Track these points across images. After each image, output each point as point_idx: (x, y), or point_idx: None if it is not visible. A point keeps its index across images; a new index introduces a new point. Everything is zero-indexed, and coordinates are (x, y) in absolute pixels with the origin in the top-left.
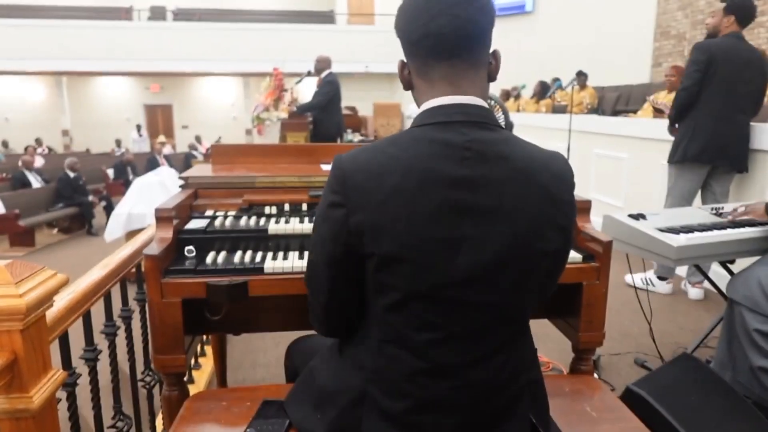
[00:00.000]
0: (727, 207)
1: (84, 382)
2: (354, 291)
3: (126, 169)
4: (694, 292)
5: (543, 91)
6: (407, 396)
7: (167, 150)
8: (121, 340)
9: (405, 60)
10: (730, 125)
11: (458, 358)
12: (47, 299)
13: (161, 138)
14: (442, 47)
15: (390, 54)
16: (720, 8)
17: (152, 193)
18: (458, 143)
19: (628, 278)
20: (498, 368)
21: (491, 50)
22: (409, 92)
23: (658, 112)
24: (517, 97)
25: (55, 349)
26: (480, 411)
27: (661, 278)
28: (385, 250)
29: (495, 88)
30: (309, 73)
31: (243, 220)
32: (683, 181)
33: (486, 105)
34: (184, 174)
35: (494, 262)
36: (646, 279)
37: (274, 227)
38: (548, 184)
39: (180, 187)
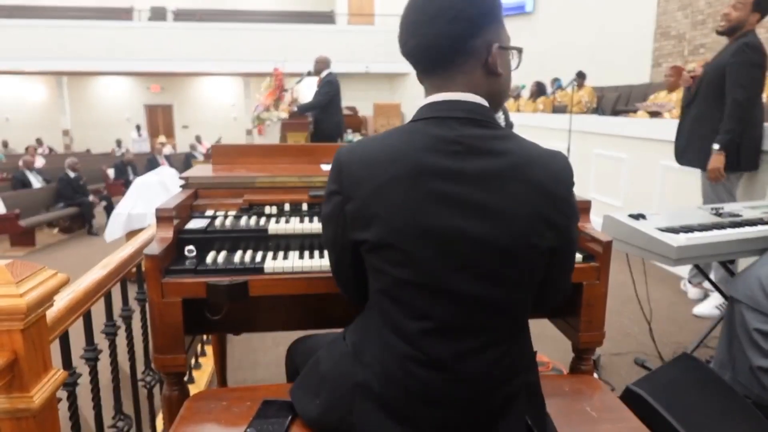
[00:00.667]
0: (727, 207)
1: (84, 381)
2: (356, 271)
3: (126, 169)
4: (694, 292)
5: (539, 91)
6: (401, 386)
7: (167, 150)
8: (121, 340)
9: None
10: (761, 128)
11: (449, 350)
12: (48, 299)
13: (161, 138)
14: (420, 65)
15: (390, 54)
16: (743, 1)
17: (152, 193)
18: (449, 137)
19: (699, 310)
20: (491, 365)
21: (490, 46)
22: (409, 92)
23: (653, 115)
24: (517, 97)
25: (55, 349)
26: (474, 408)
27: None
28: (374, 237)
29: None
30: (309, 73)
31: (243, 220)
32: (731, 188)
33: (484, 102)
34: (185, 174)
35: (485, 257)
36: (722, 305)
37: (275, 227)
38: (544, 181)
39: (180, 187)
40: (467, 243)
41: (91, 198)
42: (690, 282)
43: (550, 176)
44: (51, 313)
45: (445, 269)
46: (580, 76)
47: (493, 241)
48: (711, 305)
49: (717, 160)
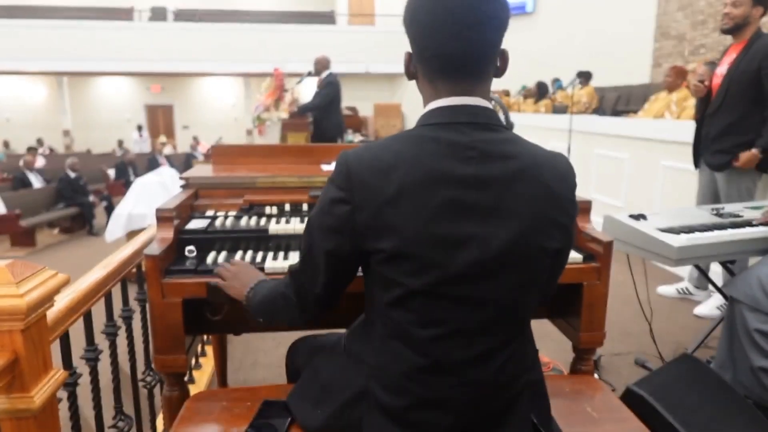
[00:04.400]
0: (728, 207)
1: (85, 382)
2: (347, 283)
3: (127, 170)
4: (702, 295)
5: (540, 91)
6: (408, 393)
7: (168, 150)
8: (121, 340)
9: (411, 53)
10: None
11: (459, 355)
12: (48, 299)
13: (162, 138)
14: (451, 69)
15: (390, 54)
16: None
17: (153, 193)
18: (462, 143)
19: (700, 310)
20: (499, 367)
21: (501, 49)
22: (409, 92)
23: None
24: (525, 96)
25: (55, 349)
26: (480, 410)
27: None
28: (390, 247)
29: (498, 89)
30: (309, 74)
31: (243, 221)
32: (753, 189)
33: (489, 105)
34: (185, 174)
35: (498, 260)
36: (723, 306)
37: (275, 227)
38: (551, 183)
39: (181, 187)
40: (482, 248)
41: (91, 198)
42: (697, 287)
43: (556, 178)
44: (51, 314)
45: (461, 275)
46: (581, 76)
47: (507, 246)
48: (712, 306)
49: (754, 158)
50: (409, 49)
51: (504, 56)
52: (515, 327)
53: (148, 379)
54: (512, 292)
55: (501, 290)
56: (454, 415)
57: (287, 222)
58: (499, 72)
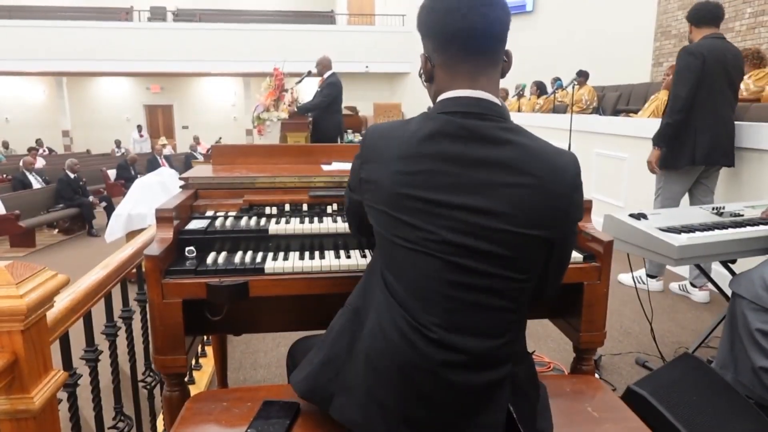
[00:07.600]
0: (729, 207)
1: (85, 382)
2: (368, 229)
3: (129, 169)
4: (700, 296)
5: (540, 90)
6: (398, 354)
7: (167, 151)
8: (121, 341)
9: (428, 55)
10: (724, 124)
11: (443, 336)
12: (48, 300)
13: (162, 140)
14: (472, 43)
15: (390, 54)
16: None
17: (153, 193)
18: (465, 126)
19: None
20: (485, 350)
21: (506, 50)
22: (409, 92)
23: None
24: (521, 96)
25: (55, 350)
26: (460, 389)
27: (651, 276)
28: (376, 201)
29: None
30: (309, 73)
31: (243, 221)
32: (677, 184)
33: (498, 101)
34: (185, 174)
35: (481, 242)
36: (637, 278)
37: (275, 227)
38: (544, 175)
39: (180, 187)
40: (459, 222)
41: (91, 199)
42: (694, 285)
43: (551, 171)
44: (51, 314)
45: (439, 238)
46: (581, 75)
47: (490, 231)
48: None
49: (651, 154)
50: (423, 52)
51: (509, 55)
52: (504, 316)
53: (148, 379)
54: (500, 281)
55: (487, 276)
56: (435, 388)
57: (287, 222)
58: (506, 70)
